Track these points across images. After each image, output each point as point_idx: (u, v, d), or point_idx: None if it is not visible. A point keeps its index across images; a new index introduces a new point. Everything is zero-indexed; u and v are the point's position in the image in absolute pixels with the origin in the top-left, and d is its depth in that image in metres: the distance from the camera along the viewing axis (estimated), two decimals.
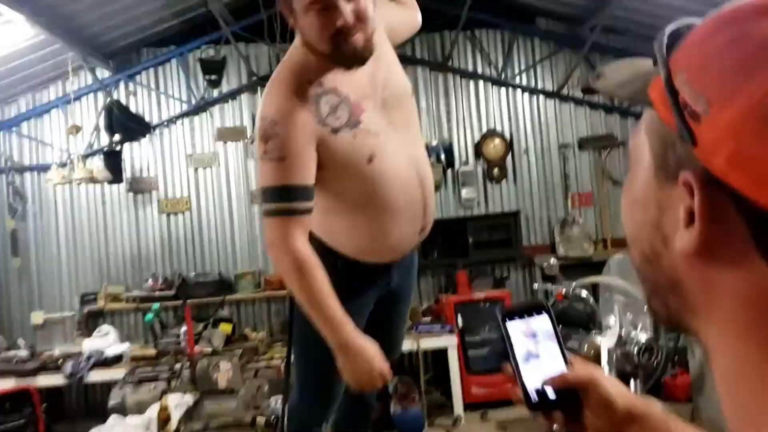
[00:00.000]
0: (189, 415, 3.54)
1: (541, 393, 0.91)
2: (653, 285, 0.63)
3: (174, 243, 6.56)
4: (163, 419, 3.54)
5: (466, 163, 6.69)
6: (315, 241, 1.88)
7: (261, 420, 3.34)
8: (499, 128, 6.71)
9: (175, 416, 3.56)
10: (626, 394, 0.91)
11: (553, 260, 4.09)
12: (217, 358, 3.81)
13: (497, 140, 6.67)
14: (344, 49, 1.60)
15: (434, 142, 6.57)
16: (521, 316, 0.96)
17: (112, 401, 4.27)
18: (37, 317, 6.33)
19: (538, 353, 0.93)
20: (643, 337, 3.73)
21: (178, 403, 3.72)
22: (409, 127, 1.80)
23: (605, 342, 3.68)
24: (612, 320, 3.97)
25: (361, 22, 1.59)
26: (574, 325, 4.16)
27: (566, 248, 6.49)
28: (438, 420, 5.47)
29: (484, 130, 6.71)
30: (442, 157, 6.54)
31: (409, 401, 5.25)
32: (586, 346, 4.00)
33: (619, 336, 3.76)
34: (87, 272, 6.48)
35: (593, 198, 6.74)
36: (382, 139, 1.71)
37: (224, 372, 3.62)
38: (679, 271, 0.57)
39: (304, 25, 1.62)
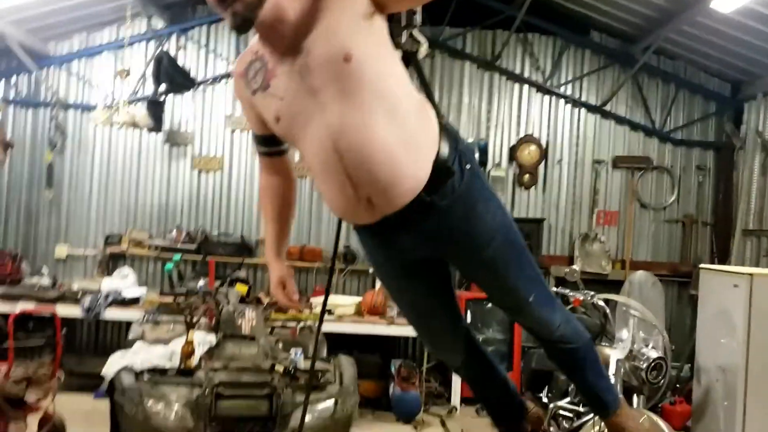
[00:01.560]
0: (210, 353, 3.64)
1: None
2: None
3: (202, 199, 6.68)
4: (186, 353, 3.65)
5: (499, 165, 6.72)
6: None
7: (279, 367, 3.44)
8: (536, 135, 6.74)
9: (198, 352, 3.67)
10: None
11: (575, 266, 4.15)
12: (243, 306, 3.91)
13: (533, 146, 6.70)
14: (229, 19, 1.72)
15: (470, 139, 6.62)
16: None
17: (132, 335, 4.39)
18: (62, 251, 6.49)
19: None
20: (653, 354, 3.78)
21: (200, 341, 3.83)
22: (337, 96, 1.71)
23: (615, 354, 3.71)
24: (625, 334, 4.01)
25: None
26: None
27: (583, 263, 6.50)
28: (434, 408, 5.56)
29: (522, 134, 6.74)
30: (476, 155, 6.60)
31: (409, 385, 5.33)
32: None
33: (630, 350, 3.80)
34: (114, 214, 6.62)
35: (619, 217, 6.76)
36: (286, 103, 1.78)
37: (249, 319, 3.72)
38: None
39: None
